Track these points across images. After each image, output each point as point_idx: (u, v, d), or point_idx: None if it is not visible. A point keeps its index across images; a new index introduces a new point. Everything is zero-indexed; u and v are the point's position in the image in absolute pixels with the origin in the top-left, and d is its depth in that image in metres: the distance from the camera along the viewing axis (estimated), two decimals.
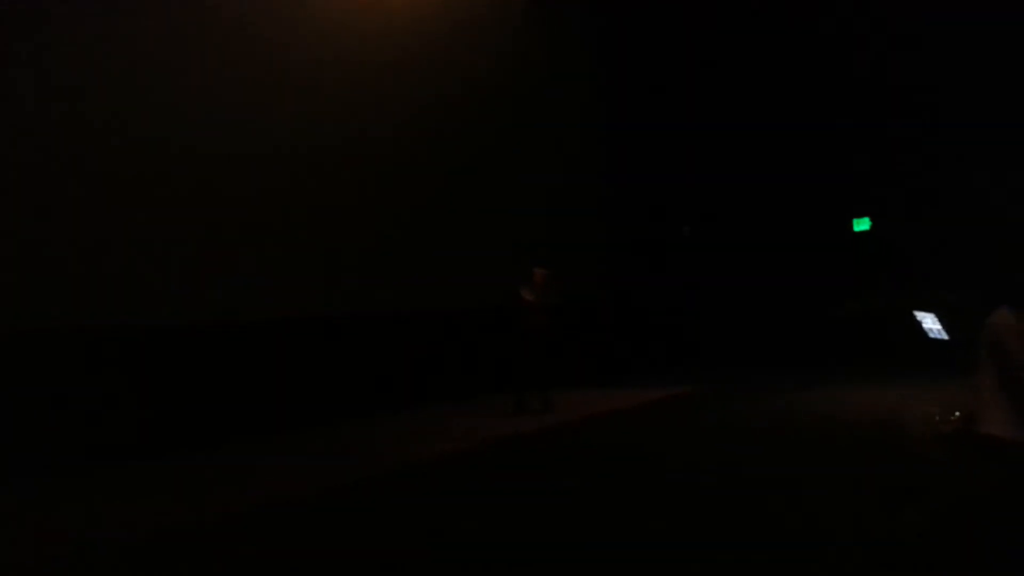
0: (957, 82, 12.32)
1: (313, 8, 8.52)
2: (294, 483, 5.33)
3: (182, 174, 7.23)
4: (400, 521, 4.53)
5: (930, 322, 5.90)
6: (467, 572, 3.58)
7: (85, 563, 3.92)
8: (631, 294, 13.00)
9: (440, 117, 9.88)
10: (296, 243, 8.18)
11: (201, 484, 5.40)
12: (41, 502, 5.06)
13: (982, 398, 4.94)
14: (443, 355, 9.70)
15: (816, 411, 7.64)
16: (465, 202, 10.15)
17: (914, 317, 6.13)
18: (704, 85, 14.36)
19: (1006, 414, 4.80)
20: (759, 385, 10.15)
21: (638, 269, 13.30)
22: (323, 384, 8.14)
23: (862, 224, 14.83)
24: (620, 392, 9.67)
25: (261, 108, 7.89)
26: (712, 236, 14.69)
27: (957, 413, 5.89)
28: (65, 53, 6.53)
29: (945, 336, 5.80)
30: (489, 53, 10.72)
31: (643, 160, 13.49)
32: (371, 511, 4.72)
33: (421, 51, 9.77)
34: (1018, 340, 4.75)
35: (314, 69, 8.48)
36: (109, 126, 6.76)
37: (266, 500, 4.92)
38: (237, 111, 7.68)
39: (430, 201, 9.71)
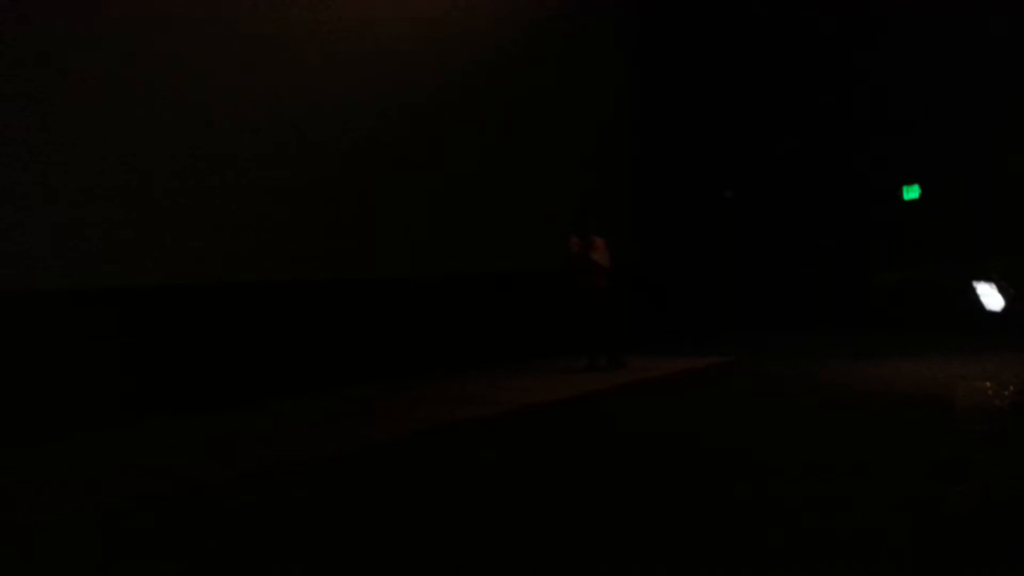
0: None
1: None
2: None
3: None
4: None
5: (987, 291, 5.72)
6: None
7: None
8: (671, 259, 12.89)
9: (478, 83, 9.91)
10: (341, 206, 8.30)
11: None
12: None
13: None
14: (491, 317, 9.85)
15: (862, 382, 7.53)
16: (504, 168, 10.17)
17: (971, 287, 5.94)
18: (749, 46, 14.04)
19: None
20: (802, 354, 10.04)
21: (680, 233, 13.17)
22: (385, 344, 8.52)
23: (912, 192, 14.46)
24: (663, 359, 9.61)
25: (281, 74, 7.86)
26: (757, 201, 14.45)
27: (1012, 387, 5.77)
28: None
29: (1002, 307, 5.63)
30: (524, 18, 10.65)
31: (686, 124, 13.30)
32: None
33: (459, 15, 9.74)
34: None
35: (356, 38, 8.51)
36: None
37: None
38: (264, 79, 7.70)
39: (470, 168, 9.76)
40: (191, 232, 7.01)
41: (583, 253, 8.84)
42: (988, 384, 6.33)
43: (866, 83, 14.14)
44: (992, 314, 5.79)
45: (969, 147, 12.84)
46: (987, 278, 5.74)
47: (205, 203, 7.16)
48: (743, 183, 14.39)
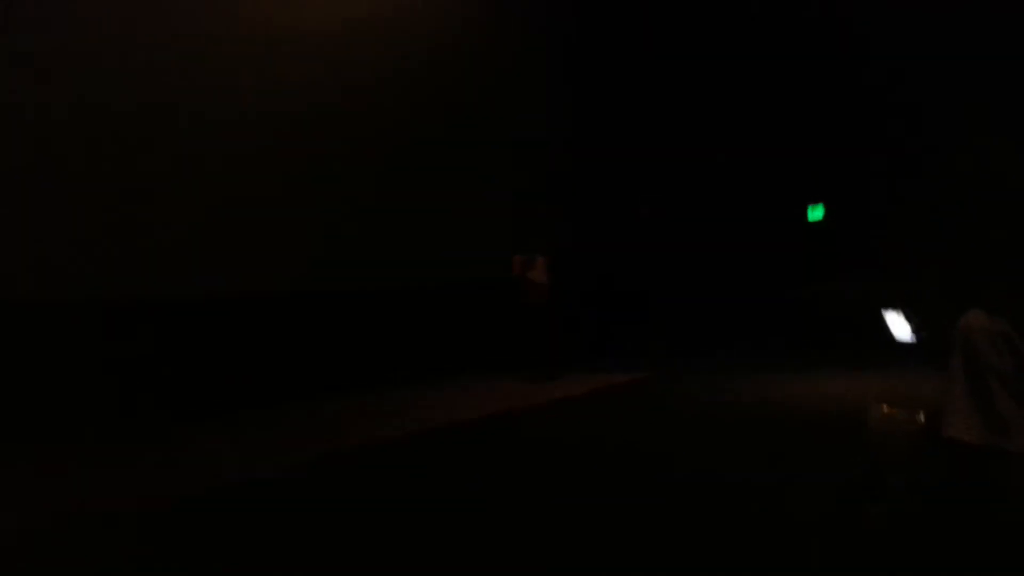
0: (924, 71, 12.44)
1: None
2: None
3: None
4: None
5: (897, 322, 5.89)
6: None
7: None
8: (588, 276, 12.95)
9: (406, 93, 9.71)
10: (268, 218, 8.04)
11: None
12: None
13: (951, 401, 4.95)
14: (421, 331, 9.79)
15: (773, 401, 7.65)
16: (427, 187, 9.99)
17: (880, 316, 6.11)
18: (664, 70, 14.30)
19: (974, 419, 4.82)
20: (715, 370, 10.20)
21: (596, 250, 13.25)
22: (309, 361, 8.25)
23: (816, 212, 14.99)
24: (580, 376, 9.61)
25: (226, 76, 7.67)
26: (670, 219, 14.70)
27: (921, 414, 5.95)
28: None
29: (911, 339, 5.81)
30: (457, 28, 10.56)
31: (603, 143, 13.45)
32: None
33: (390, 18, 9.58)
34: (990, 344, 4.77)
35: (281, 39, 8.25)
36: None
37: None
38: (199, 80, 7.44)
39: (392, 183, 9.55)
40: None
41: (523, 271, 9.40)
42: (899, 410, 6.52)
43: (773, 105, 14.58)
44: (902, 343, 5.96)
45: (869, 168, 13.37)
46: (894, 307, 5.91)
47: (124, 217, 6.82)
48: (660, 201, 14.61)
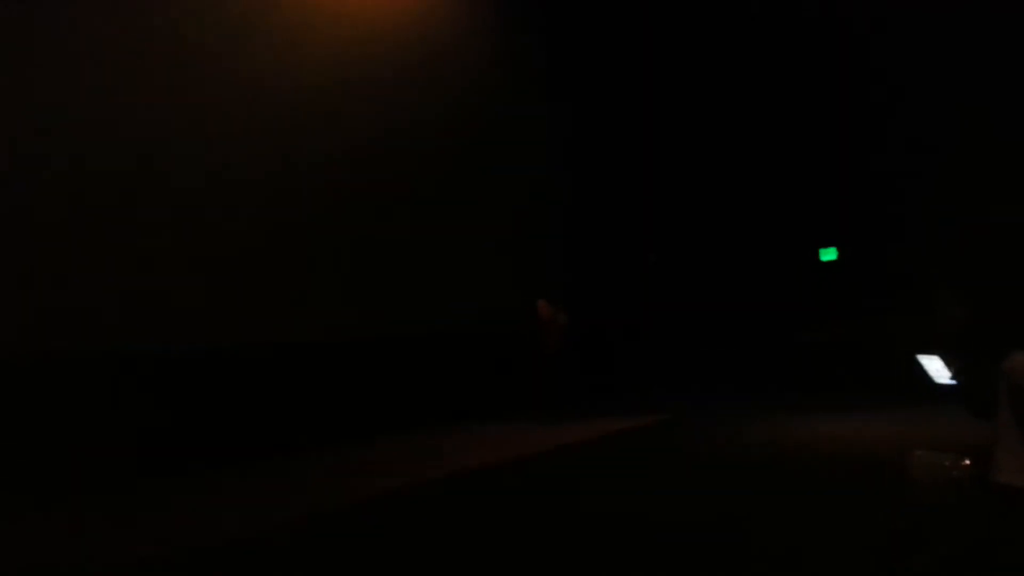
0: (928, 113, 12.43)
1: (275, 27, 8.19)
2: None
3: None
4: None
5: (936, 367, 5.69)
6: None
7: None
8: (596, 321, 12.74)
9: (405, 142, 9.62)
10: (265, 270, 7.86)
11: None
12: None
13: (1000, 445, 4.71)
14: (424, 378, 9.59)
15: (807, 447, 7.42)
16: (428, 232, 9.88)
17: (914, 360, 5.91)
18: (670, 113, 14.31)
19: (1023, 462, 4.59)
20: (733, 415, 9.95)
21: (603, 297, 13.07)
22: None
23: (829, 254, 14.87)
24: (585, 422, 9.34)
25: (211, 124, 7.51)
26: (679, 265, 14.58)
27: (967, 459, 5.70)
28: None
29: (952, 382, 5.59)
30: (455, 84, 10.52)
31: (608, 189, 13.40)
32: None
33: (390, 70, 9.53)
34: None
35: (271, 91, 8.14)
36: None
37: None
38: (192, 128, 7.31)
39: (392, 231, 9.41)
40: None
41: (552, 317, 9.88)
42: (945, 455, 6.27)
43: (780, 149, 14.58)
44: (943, 387, 5.74)
45: (887, 208, 13.29)
46: (930, 351, 5.71)
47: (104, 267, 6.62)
48: (667, 248, 14.52)
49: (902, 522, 4.72)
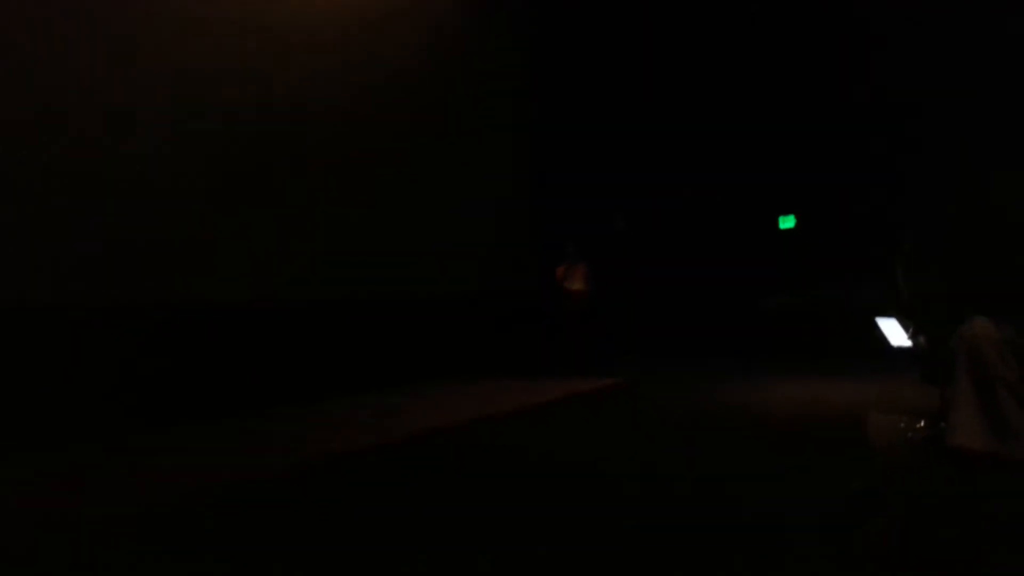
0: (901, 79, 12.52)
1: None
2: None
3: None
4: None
5: (892, 329, 5.78)
6: None
7: None
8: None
9: (377, 109, 9.65)
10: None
11: None
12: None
13: (956, 408, 4.81)
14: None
15: (762, 409, 7.53)
16: (404, 202, 9.97)
17: (870, 321, 6.00)
18: (635, 82, 14.26)
19: (980, 426, 4.69)
20: (693, 378, 10.11)
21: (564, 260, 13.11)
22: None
23: (787, 222, 15.04)
24: (548, 383, 9.43)
25: (208, 81, 7.52)
26: (644, 231, 14.64)
27: (922, 422, 5.82)
28: None
29: (908, 344, 5.69)
30: (428, 50, 10.54)
31: (576, 156, 13.43)
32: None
33: (376, 38, 9.63)
34: (995, 350, 4.64)
35: (274, 53, 8.27)
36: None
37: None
38: (180, 83, 7.29)
39: (376, 200, 9.56)
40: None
41: (564, 279, 10.46)
42: (901, 418, 6.39)
43: (745, 115, 14.61)
44: (899, 349, 5.83)
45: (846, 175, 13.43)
46: (887, 314, 5.79)
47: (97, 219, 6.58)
48: (633, 214, 14.54)
49: (857, 484, 4.80)
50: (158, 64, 7.05)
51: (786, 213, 15.16)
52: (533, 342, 11.94)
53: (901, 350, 5.80)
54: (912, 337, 5.62)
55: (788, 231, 15.09)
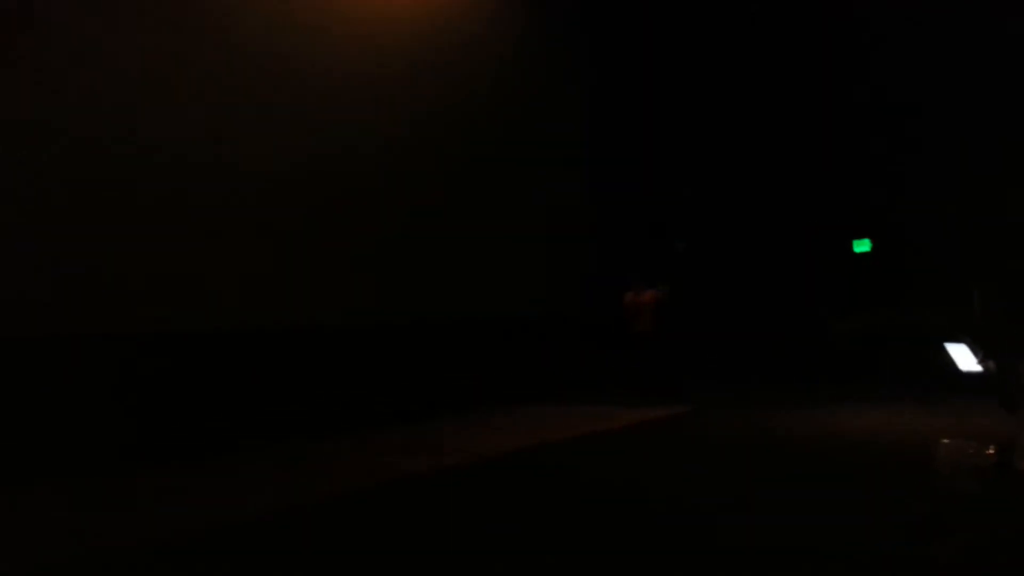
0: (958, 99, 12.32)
1: (307, 17, 8.33)
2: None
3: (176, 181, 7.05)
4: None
5: (962, 354, 5.72)
6: None
7: None
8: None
9: (432, 131, 9.78)
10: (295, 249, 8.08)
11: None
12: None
13: None
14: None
15: (832, 435, 7.45)
16: (455, 219, 10.04)
17: (942, 348, 5.94)
18: (702, 100, 14.29)
19: None
20: (760, 404, 9.99)
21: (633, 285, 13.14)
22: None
23: (862, 245, 14.80)
24: (615, 410, 9.46)
25: (258, 117, 7.72)
26: (709, 252, 14.55)
27: (992, 448, 5.75)
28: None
29: (979, 369, 5.61)
30: (484, 66, 10.69)
31: (638, 176, 13.47)
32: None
33: (427, 61, 9.72)
34: None
35: (313, 77, 8.32)
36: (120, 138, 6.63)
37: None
38: (232, 120, 7.50)
39: (422, 216, 9.58)
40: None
41: (636, 301, 10.49)
42: (970, 442, 6.29)
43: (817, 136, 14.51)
44: (968, 374, 5.77)
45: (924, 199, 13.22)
46: (957, 339, 5.73)
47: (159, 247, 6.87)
48: (696, 235, 14.49)
49: (926, 510, 4.77)
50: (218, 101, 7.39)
51: (860, 237, 14.93)
52: (596, 367, 12.00)
53: (970, 375, 5.73)
54: (982, 362, 5.56)
55: (862, 255, 14.85)
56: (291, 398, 7.72)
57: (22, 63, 6.12)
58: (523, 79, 11.37)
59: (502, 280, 10.54)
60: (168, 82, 6.99)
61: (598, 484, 5.76)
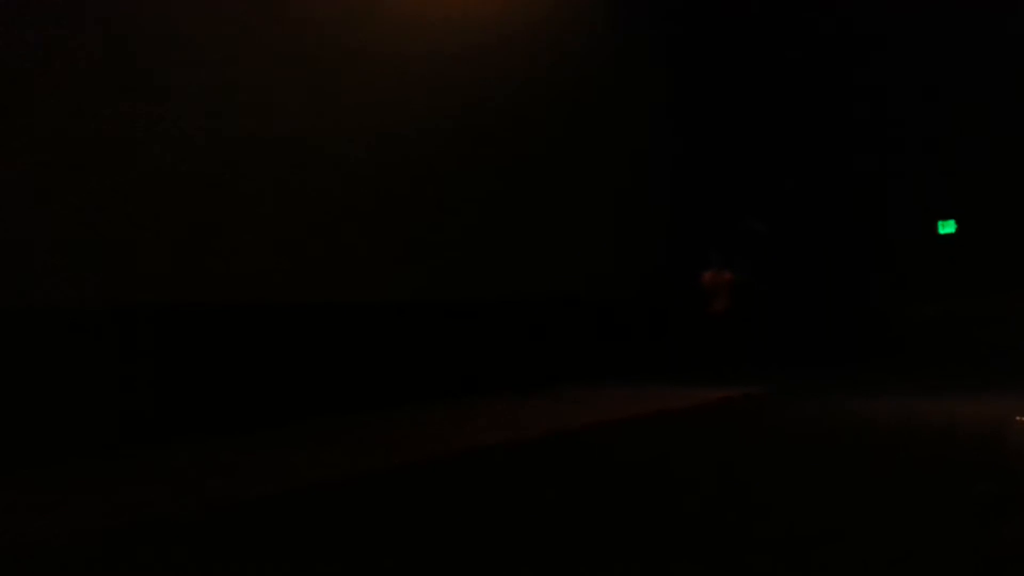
0: None
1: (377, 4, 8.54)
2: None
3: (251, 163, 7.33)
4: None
5: None
6: None
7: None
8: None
9: (509, 109, 9.98)
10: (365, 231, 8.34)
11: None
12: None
13: None
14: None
15: (903, 419, 7.35)
16: (535, 196, 10.26)
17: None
18: (780, 83, 14.04)
19: None
20: (832, 388, 9.86)
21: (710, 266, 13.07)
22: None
23: (947, 227, 14.34)
24: (682, 390, 9.49)
25: (325, 97, 7.94)
26: (789, 234, 14.33)
27: None
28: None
29: None
30: (560, 45, 10.77)
31: (714, 156, 13.33)
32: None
33: (495, 44, 9.88)
34: None
35: (383, 63, 8.53)
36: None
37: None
38: (301, 99, 7.73)
39: (500, 193, 9.82)
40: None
41: (715, 282, 10.62)
42: None
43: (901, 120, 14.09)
44: None
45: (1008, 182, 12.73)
46: None
47: (215, 222, 7.09)
48: (776, 217, 14.27)
49: (998, 488, 4.72)
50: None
51: (946, 218, 14.46)
52: (669, 347, 12.02)
53: None
54: None
55: (947, 236, 14.40)
56: (381, 370, 8.11)
57: None
58: (599, 56, 11.40)
59: (576, 262, 10.72)
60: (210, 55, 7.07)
61: (653, 464, 5.85)
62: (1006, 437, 6.06)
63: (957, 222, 14.19)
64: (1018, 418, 6.47)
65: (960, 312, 12.34)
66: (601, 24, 11.52)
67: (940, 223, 14.44)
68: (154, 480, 5.07)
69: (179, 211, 6.72)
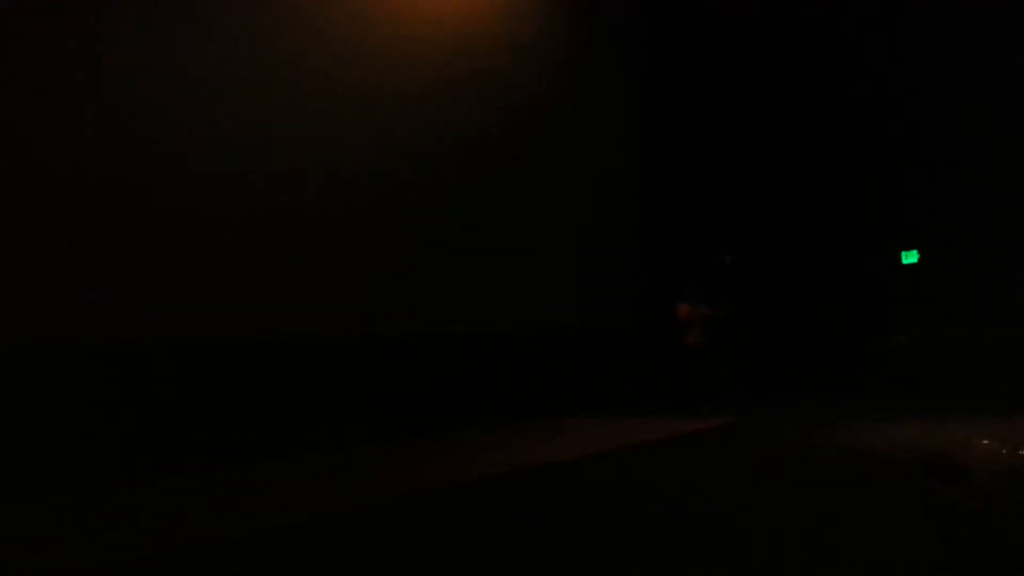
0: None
1: (341, 28, 8.53)
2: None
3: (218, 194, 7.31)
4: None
5: None
6: None
7: None
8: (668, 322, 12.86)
9: (475, 141, 9.93)
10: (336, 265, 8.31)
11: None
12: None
13: None
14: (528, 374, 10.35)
15: (878, 443, 7.35)
16: (499, 228, 10.20)
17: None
18: (747, 112, 14.31)
19: None
20: (800, 416, 9.90)
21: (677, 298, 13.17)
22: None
23: (910, 257, 14.60)
24: (658, 422, 9.48)
25: (294, 128, 7.90)
26: (758, 264, 14.50)
27: None
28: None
29: None
30: (527, 76, 10.79)
31: (681, 188, 13.49)
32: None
33: (466, 75, 9.87)
34: None
35: (349, 89, 8.51)
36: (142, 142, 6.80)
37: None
38: (270, 131, 7.69)
39: (464, 228, 9.73)
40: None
41: (691, 315, 10.67)
42: (1004, 445, 6.21)
43: (863, 150, 14.42)
44: None
45: (969, 212, 13.03)
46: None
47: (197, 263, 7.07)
48: (742, 248, 14.45)
49: (958, 511, 4.77)
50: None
51: (909, 248, 14.73)
52: (641, 378, 12.05)
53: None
54: None
55: (911, 266, 14.64)
56: (328, 409, 7.94)
57: None
58: (568, 89, 11.44)
59: (548, 294, 10.67)
60: (202, 87, 7.16)
61: (627, 491, 5.87)
62: (969, 459, 6.13)
63: (920, 252, 14.45)
64: (984, 442, 6.55)
65: (932, 339, 12.47)
66: (573, 57, 11.63)
67: (904, 253, 14.70)
68: (174, 510, 5.18)
69: (188, 248, 6.90)
